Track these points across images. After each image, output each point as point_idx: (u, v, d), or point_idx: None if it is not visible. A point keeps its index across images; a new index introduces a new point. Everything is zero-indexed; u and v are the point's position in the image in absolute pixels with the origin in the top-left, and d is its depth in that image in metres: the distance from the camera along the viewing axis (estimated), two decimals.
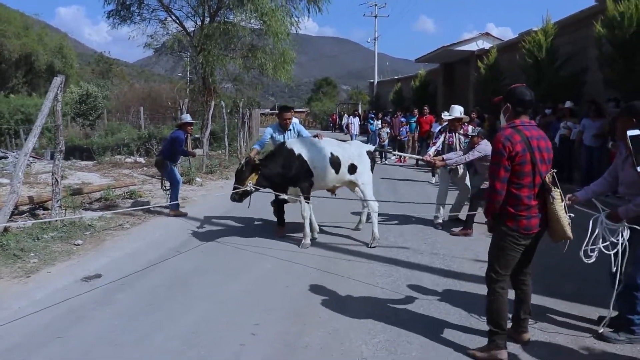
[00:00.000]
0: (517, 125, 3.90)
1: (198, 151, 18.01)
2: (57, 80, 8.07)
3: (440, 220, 8.78)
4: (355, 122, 28.57)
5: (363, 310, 4.94)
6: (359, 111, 42.31)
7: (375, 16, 50.34)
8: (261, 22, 19.49)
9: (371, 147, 8.38)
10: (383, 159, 19.80)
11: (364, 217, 8.54)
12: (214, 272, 6.21)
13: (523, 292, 4.24)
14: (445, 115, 9.08)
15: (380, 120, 22.31)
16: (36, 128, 7.72)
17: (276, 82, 24.10)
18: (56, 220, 8.08)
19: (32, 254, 6.74)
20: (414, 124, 20.26)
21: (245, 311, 4.97)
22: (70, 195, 9.29)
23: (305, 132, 8.20)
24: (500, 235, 3.97)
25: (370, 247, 7.39)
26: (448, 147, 8.81)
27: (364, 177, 7.80)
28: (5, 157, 20.39)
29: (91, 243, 7.52)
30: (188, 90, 25.70)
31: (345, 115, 43.79)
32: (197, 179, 14.15)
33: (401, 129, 20.40)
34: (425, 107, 19.82)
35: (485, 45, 23.77)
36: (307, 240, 7.47)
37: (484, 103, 18.26)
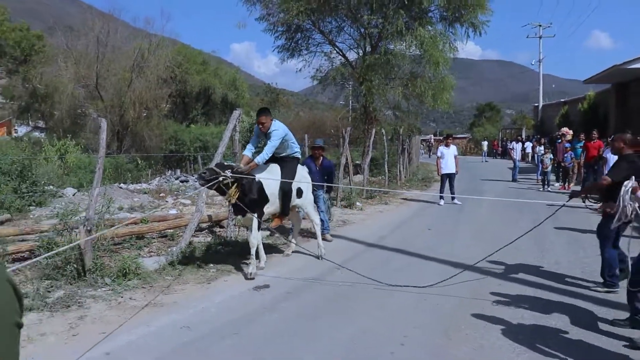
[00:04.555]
0: None
1: (357, 177, 18.81)
2: (236, 113, 9.14)
3: None
4: (517, 148, 27.85)
5: (509, 331, 5.11)
6: (522, 136, 41.05)
7: (540, 37, 48.35)
8: (421, 50, 19.94)
9: (306, 169, 8.86)
10: (545, 186, 19.22)
11: (293, 244, 8.89)
12: (371, 289, 6.67)
13: None
14: None
15: (543, 146, 21.64)
16: (218, 155, 8.80)
17: (437, 108, 24.29)
18: (230, 238, 9.11)
19: (211, 265, 7.74)
20: (580, 149, 19.37)
21: (397, 325, 5.37)
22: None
23: (273, 139, 7.58)
24: None
25: (320, 259, 8.26)
26: None
27: (307, 199, 8.50)
28: (187, 181, 22.74)
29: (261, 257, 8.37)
30: (350, 118, 26.74)
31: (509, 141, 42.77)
32: (357, 203, 14.80)
33: (565, 155, 19.62)
34: (594, 132, 18.84)
35: None
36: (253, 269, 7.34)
37: None
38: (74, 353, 4.56)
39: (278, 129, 7.63)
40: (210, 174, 6.97)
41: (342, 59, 22.83)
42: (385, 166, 20.64)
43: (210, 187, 7.10)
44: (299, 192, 8.23)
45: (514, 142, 31.33)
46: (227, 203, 7.39)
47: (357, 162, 21.80)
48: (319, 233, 8.72)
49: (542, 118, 44.53)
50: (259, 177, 7.47)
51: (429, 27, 20.29)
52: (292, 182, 7.91)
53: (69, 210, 7.67)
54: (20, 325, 1.16)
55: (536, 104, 48.07)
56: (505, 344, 4.81)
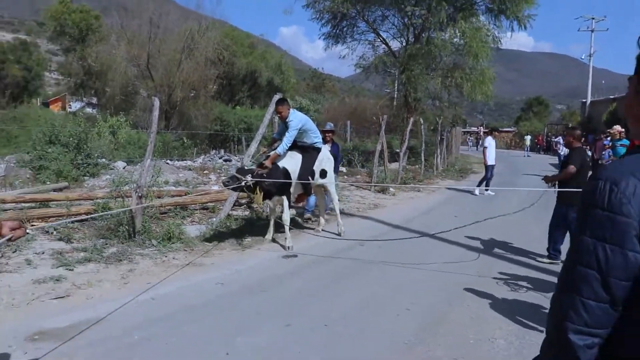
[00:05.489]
0: None
1: (394, 165, 19.33)
2: (276, 97, 9.82)
3: None
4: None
5: (506, 306, 5.68)
6: None
7: (592, 30, 47.42)
8: (463, 42, 20.25)
9: (328, 147, 9.60)
10: None
11: (322, 220, 9.64)
12: (387, 263, 7.31)
13: None
14: None
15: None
16: (258, 135, 9.58)
17: (484, 100, 24.36)
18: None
19: (246, 235, 8.54)
20: (621, 147, 19.27)
21: (406, 294, 6.00)
22: None
23: (290, 129, 8.08)
24: None
25: (340, 236, 8.99)
26: None
27: (330, 179, 9.11)
28: (229, 160, 23.64)
29: (292, 232, 9.07)
30: (394, 106, 27.13)
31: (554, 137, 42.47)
32: (391, 189, 15.37)
33: (603, 153, 19.60)
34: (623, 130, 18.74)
35: None
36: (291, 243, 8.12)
37: None
38: (125, 296, 5.41)
39: (294, 119, 8.14)
40: (232, 181, 7.64)
41: (385, 47, 23.32)
42: (422, 155, 21.08)
43: (234, 190, 7.98)
44: (323, 173, 8.88)
45: (560, 137, 31.15)
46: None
47: (397, 150, 22.28)
48: (338, 211, 9.38)
49: (589, 114, 43.80)
50: (282, 165, 8.11)
51: (473, 18, 20.57)
52: (312, 168, 8.56)
53: (122, 179, 8.54)
54: None
55: (584, 100, 47.34)
56: (500, 316, 5.38)
